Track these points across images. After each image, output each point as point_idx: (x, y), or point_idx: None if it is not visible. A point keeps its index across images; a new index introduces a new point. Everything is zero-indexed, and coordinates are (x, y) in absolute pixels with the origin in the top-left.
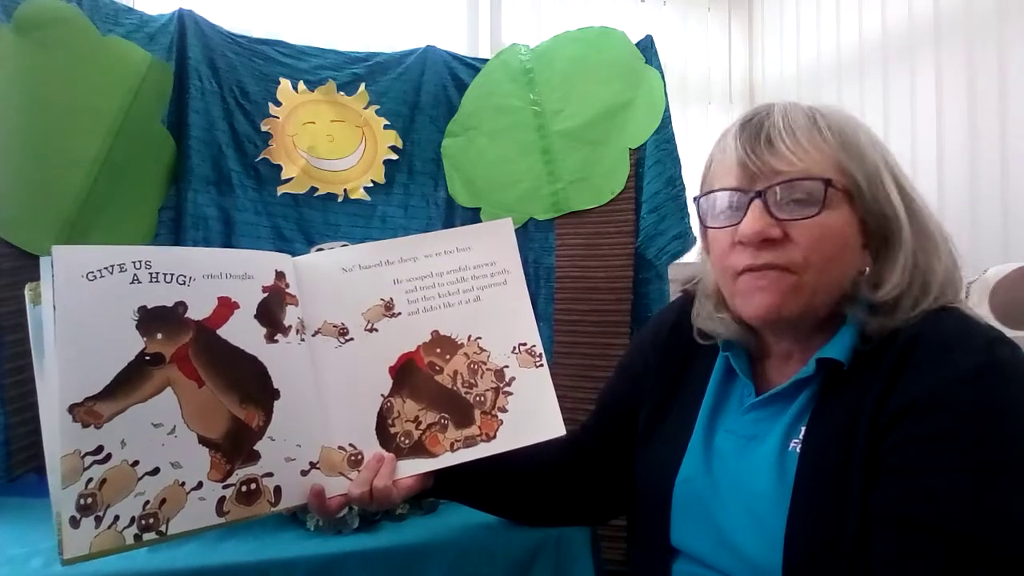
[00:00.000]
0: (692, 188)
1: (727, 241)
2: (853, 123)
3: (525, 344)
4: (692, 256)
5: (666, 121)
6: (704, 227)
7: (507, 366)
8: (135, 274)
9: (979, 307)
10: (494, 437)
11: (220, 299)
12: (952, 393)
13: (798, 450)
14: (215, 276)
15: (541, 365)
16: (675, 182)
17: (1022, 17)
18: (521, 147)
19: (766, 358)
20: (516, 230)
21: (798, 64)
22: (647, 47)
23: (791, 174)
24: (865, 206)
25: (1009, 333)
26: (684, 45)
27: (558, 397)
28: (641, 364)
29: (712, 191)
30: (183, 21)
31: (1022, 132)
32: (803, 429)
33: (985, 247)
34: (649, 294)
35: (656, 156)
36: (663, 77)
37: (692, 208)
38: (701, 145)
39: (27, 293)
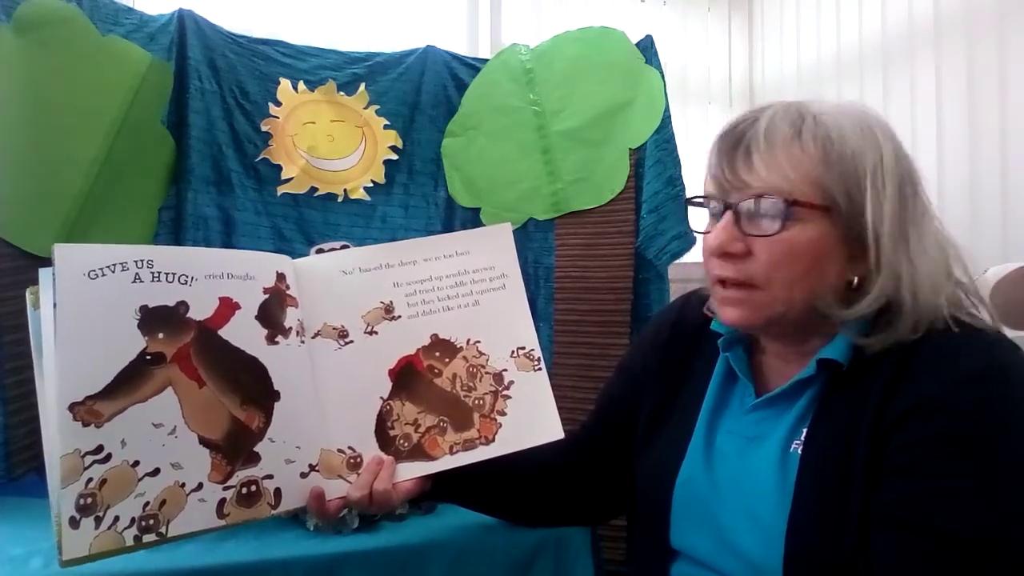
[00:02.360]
0: (692, 188)
1: (705, 248)
2: (852, 130)
3: (524, 348)
4: (692, 256)
5: (666, 121)
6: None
7: (506, 370)
8: (137, 273)
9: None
10: (493, 440)
11: (222, 299)
12: (955, 395)
13: (799, 452)
14: (217, 276)
15: (540, 369)
16: (675, 182)
17: (1022, 17)
18: (521, 147)
19: (762, 355)
20: (516, 230)
21: (798, 64)
22: (647, 47)
23: (758, 189)
24: (846, 220)
25: (1009, 333)
26: (684, 45)
27: (558, 397)
28: (641, 364)
29: (695, 197)
30: (183, 21)
31: (1022, 132)
32: (805, 431)
33: (985, 247)
34: (649, 294)
35: (656, 156)
36: (663, 77)
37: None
38: (701, 145)
39: (28, 296)
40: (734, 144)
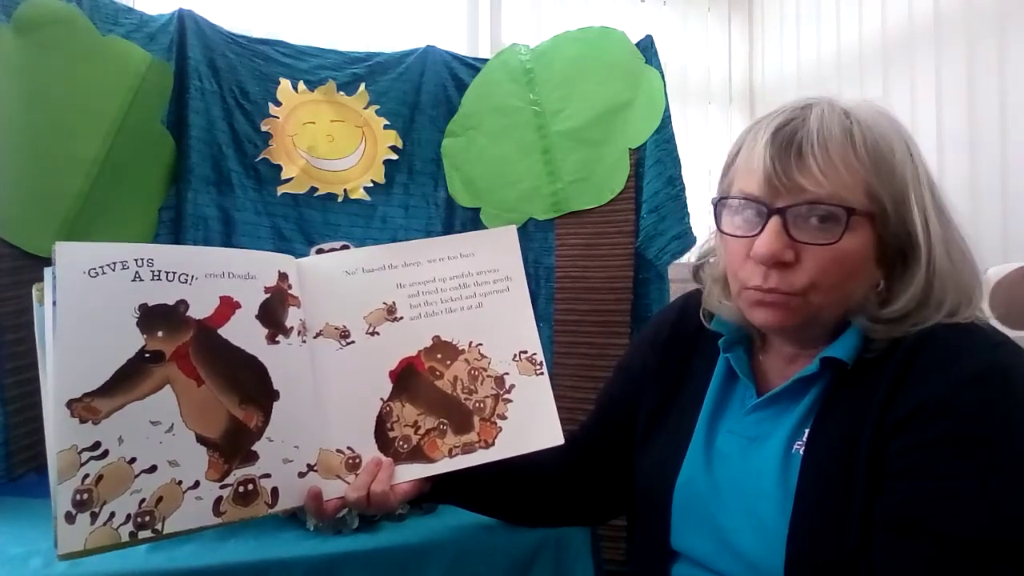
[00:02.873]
0: (692, 188)
1: (741, 252)
2: (890, 134)
3: (526, 352)
4: (692, 256)
5: (666, 121)
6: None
7: (507, 373)
8: (137, 272)
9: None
10: (492, 444)
11: (222, 298)
12: (957, 397)
13: (801, 452)
14: (217, 275)
15: (541, 373)
16: (675, 182)
17: (1022, 17)
18: (521, 147)
19: (765, 354)
20: (514, 227)
21: (798, 64)
22: (647, 47)
23: (816, 195)
24: (887, 226)
25: (1009, 333)
26: (684, 45)
27: (558, 397)
28: (640, 364)
29: (731, 197)
30: (183, 21)
31: (1022, 132)
32: (807, 431)
33: (985, 247)
34: (649, 294)
35: (656, 156)
36: (663, 77)
37: (692, 208)
38: (701, 145)
39: (34, 292)
40: (786, 144)
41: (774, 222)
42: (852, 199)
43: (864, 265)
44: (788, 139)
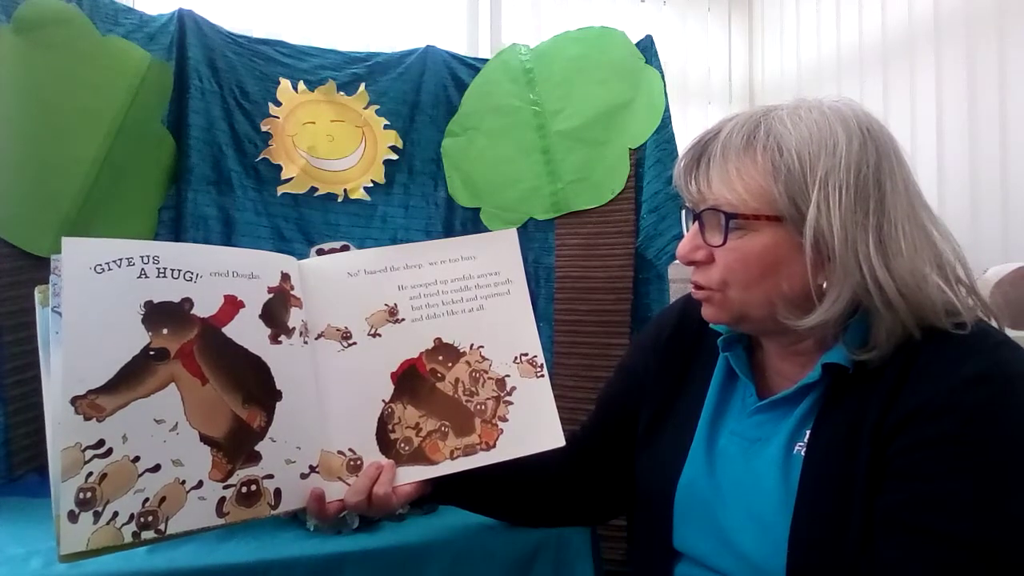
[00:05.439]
0: None
1: None
2: (803, 136)
3: (527, 354)
4: None
5: (666, 121)
6: None
7: (508, 375)
8: (143, 269)
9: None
10: (494, 446)
11: (226, 297)
12: (957, 397)
13: (802, 453)
14: (222, 274)
15: (542, 376)
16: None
17: (1022, 17)
18: (521, 147)
19: (761, 351)
20: (516, 230)
21: (798, 64)
22: (647, 47)
23: (713, 201)
24: (799, 229)
25: (1009, 333)
26: (684, 45)
27: (558, 397)
28: (641, 365)
29: (683, 206)
30: (183, 21)
31: (1022, 132)
32: (808, 432)
33: (985, 247)
34: (649, 294)
35: (656, 156)
36: (663, 77)
37: None
38: None
39: (36, 295)
40: (697, 157)
41: (695, 226)
42: (740, 203)
43: (777, 268)
44: (698, 152)
